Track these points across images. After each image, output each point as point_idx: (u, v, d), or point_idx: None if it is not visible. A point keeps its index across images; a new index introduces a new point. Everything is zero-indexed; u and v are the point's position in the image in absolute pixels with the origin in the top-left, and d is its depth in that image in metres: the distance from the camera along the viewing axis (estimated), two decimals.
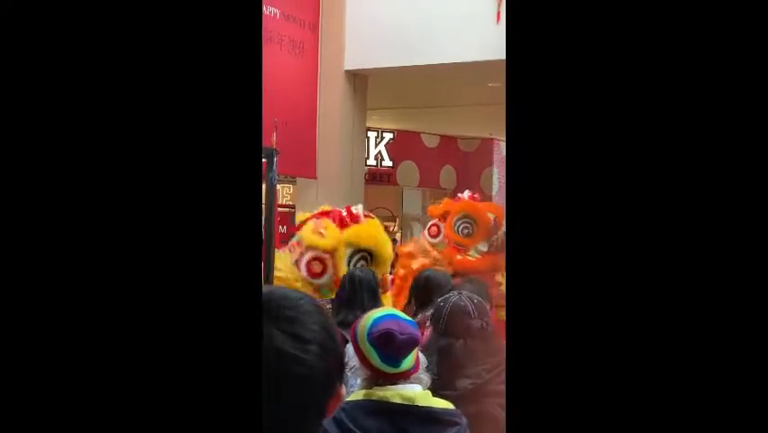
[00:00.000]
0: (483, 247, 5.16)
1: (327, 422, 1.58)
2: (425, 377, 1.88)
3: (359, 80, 8.87)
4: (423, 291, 3.21)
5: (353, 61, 8.61)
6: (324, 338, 0.98)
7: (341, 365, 1.03)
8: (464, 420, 1.79)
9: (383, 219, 14.64)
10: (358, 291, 3.20)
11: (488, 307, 2.32)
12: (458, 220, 5.54)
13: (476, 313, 2.21)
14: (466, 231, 5.45)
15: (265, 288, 1.02)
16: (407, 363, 1.78)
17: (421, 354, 1.91)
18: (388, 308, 1.90)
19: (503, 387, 2.03)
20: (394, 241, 12.12)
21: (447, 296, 2.33)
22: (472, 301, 2.27)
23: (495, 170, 15.33)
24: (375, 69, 8.57)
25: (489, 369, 2.09)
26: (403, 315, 1.90)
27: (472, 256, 5.35)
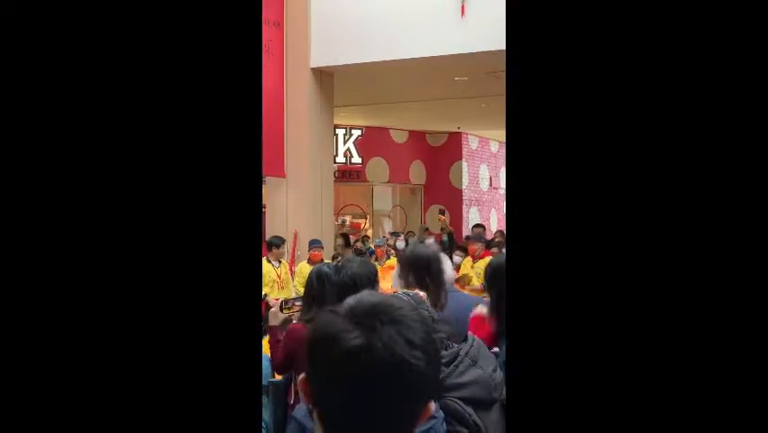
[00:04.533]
0: None
1: (301, 417, 1.57)
2: None
3: (325, 78, 8.85)
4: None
5: (319, 59, 8.58)
6: (431, 346, 0.96)
7: (438, 376, 1.00)
8: (441, 414, 1.79)
9: (354, 216, 14.70)
10: (327, 288, 3.16)
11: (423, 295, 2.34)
12: None
13: (414, 305, 2.22)
14: None
15: (367, 293, 1.00)
16: None
17: None
18: None
19: (463, 379, 2.03)
20: (366, 237, 12.16)
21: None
22: (408, 295, 2.28)
23: (464, 163, 15.41)
24: (341, 65, 8.56)
25: (447, 363, 2.08)
26: None
27: None
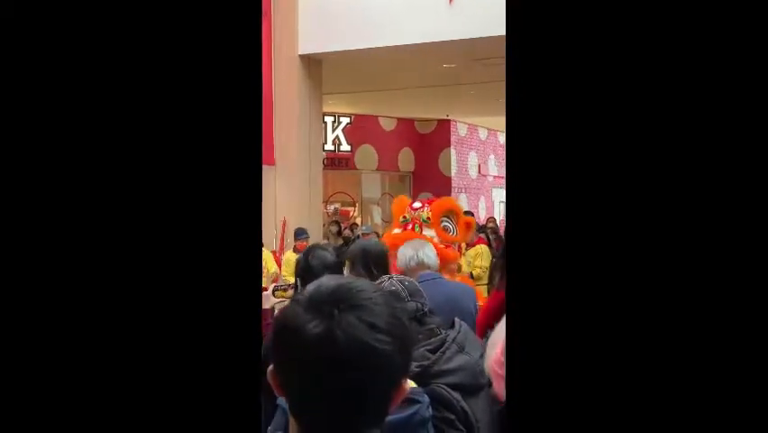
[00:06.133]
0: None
1: (284, 403, 1.58)
2: None
3: (313, 65, 8.82)
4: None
5: (307, 46, 8.55)
6: (397, 329, 0.93)
7: (409, 358, 0.98)
8: (426, 399, 1.79)
9: (342, 204, 14.67)
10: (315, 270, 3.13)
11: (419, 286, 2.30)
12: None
13: (408, 296, 2.20)
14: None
15: (327, 279, 0.98)
16: None
17: None
18: None
19: (450, 366, 2.04)
20: (354, 225, 12.16)
21: (380, 281, 2.30)
22: (403, 284, 2.22)
23: (452, 150, 15.40)
24: (329, 52, 8.53)
25: (434, 349, 2.08)
26: None
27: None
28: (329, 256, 2.84)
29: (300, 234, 7.55)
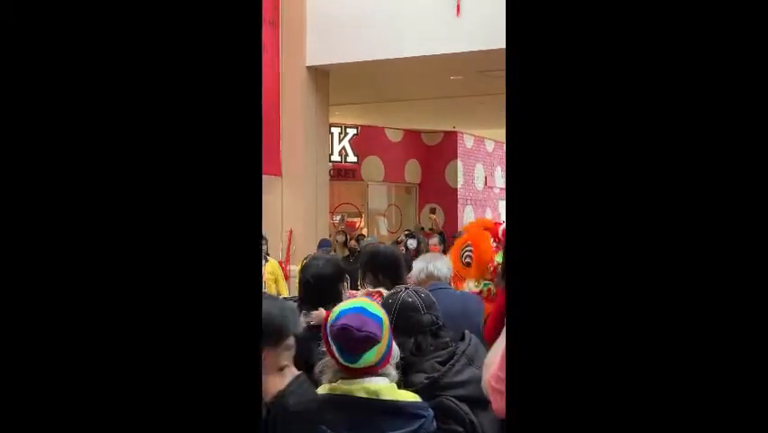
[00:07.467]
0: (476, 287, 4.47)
1: (292, 416, 1.57)
2: (394, 371, 1.86)
3: (321, 76, 8.84)
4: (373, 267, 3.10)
5: (315, 57, 8.57)
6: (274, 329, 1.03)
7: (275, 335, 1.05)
8: (430, 413, 1.78)
9: (349, 215, 14.69)
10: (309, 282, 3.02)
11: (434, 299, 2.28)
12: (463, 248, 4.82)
13: (424, 308, 2.18)
14: (468, 260, 4.72)
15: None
16: (367, 359, 1.75)
17: (396, 347, 1.89)
18: (358, 301, 1.85)
19: (459, 378, 2.03)
20: (361, 236, 12.18)
21: (395, 291, 2.29)
22: (420, 296, 2.22)
23: (459, 162, 15.40)
24: (336, 64, 8.55)
25: (443, 361, 2.07)
26: (373, 308, 1.85)
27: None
28: (322, 267, 2.74)
29: (323, 245, 7.55)
